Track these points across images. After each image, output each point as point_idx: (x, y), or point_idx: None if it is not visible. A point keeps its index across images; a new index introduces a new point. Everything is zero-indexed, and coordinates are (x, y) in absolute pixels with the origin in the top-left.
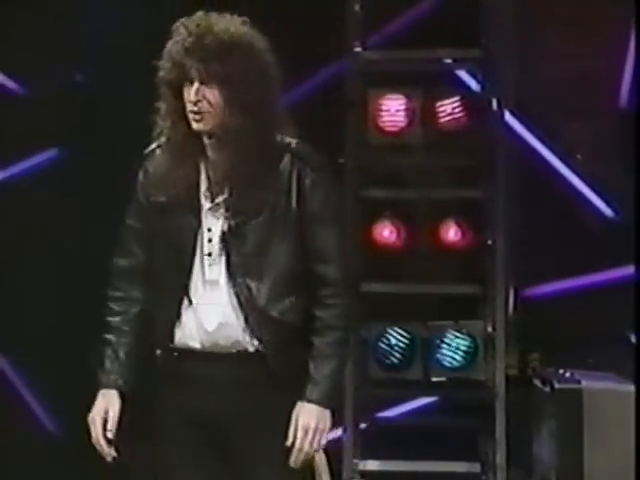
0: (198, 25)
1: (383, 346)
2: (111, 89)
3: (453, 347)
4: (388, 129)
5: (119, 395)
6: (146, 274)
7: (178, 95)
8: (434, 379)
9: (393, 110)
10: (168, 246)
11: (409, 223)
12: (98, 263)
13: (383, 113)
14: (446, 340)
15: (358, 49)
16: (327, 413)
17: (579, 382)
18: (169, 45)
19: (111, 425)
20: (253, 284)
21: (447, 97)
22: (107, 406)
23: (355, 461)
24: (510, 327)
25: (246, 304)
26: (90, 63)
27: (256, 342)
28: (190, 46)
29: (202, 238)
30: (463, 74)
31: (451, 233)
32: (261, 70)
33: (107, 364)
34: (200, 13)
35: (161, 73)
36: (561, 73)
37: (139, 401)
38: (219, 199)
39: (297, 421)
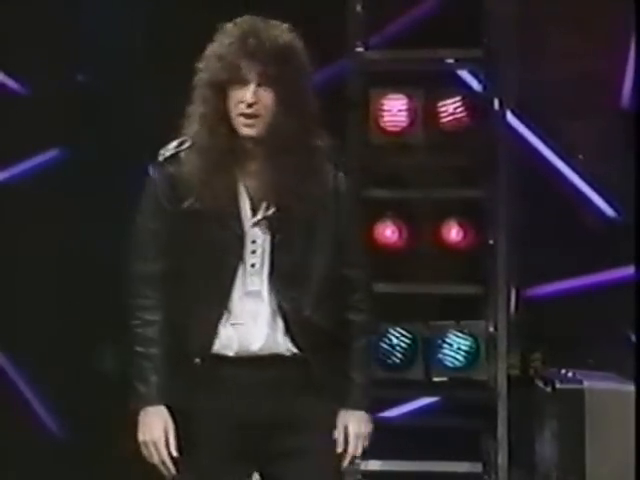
0: (252, 28)
1: (384, 346)
2: (112, 89)
3: (455, 347)
4: (390, 129)
5: (167, 409)
6: (168, 279)
7: (222, 98)
8: (435, 379)
9: (395, 110)
10: (206, 255)
11: (411, 223)
12: (99, 262)
13: (385, 113)
14: (448, 340)
15: (360, 49)
16: (368, 417)
17: (581, 382)
18: (216, 47)
19: (173, 443)
20: (296, 294)
21: (449, 97)
22: (165, 424)
23: (357, 461)
24: (512, 327)
25: (290, 314)
26: (91, 63)
27: (296, 349)
28: (250, 48)
29: (246, 249)
30: (465, 74)
31: (453, 233)
32: (309, 76)
33: (150, 378)
34: (247, 17)
35: (205, 75)
36: (563, 73)
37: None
38: (267, 212)
39: (347, 428)
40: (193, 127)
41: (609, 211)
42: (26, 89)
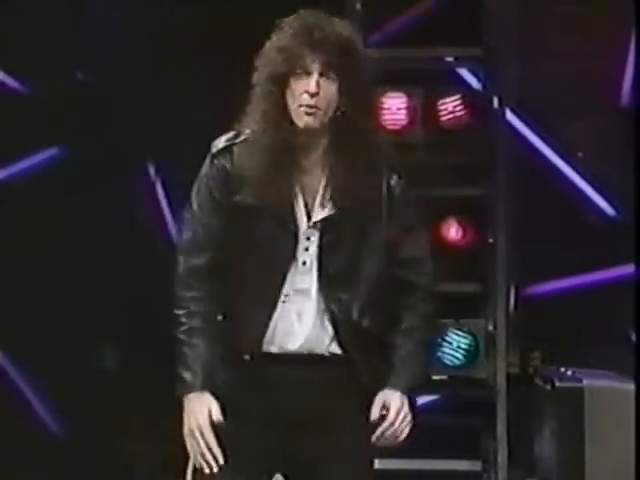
0: (316, 21)
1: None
2: (112, 88)
3: (454, 345)
4: (389, 127)
5: (212, 396)
6: (217, 273)
7: (283, 93)
8: (435, 377)
9: (394, 108)
10: (260, 251)
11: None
12: (99, 261)
13: (384, 111)
14: (447, 338)
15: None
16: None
17: (580, 380)
18: (277, 40)
19: (221, 428)
20: (345, 296)
21: (448, 95)
22: (209, 409)
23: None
24: (511, 325)
25: (338, 316)
26: (91, 62)
27: (341, 351)
28: (314, 39)
29: (299, 247)
30: (464, 72)
31: (452, 231)
32: (369, 70)
33: (194, 366)
34: (308, 11)
35: (265, 69)
36: (562, 71)
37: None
38: (324, 211)
39: (384, 402)
40: (252, 122)
41: (609, 209)
42: (26, 88)
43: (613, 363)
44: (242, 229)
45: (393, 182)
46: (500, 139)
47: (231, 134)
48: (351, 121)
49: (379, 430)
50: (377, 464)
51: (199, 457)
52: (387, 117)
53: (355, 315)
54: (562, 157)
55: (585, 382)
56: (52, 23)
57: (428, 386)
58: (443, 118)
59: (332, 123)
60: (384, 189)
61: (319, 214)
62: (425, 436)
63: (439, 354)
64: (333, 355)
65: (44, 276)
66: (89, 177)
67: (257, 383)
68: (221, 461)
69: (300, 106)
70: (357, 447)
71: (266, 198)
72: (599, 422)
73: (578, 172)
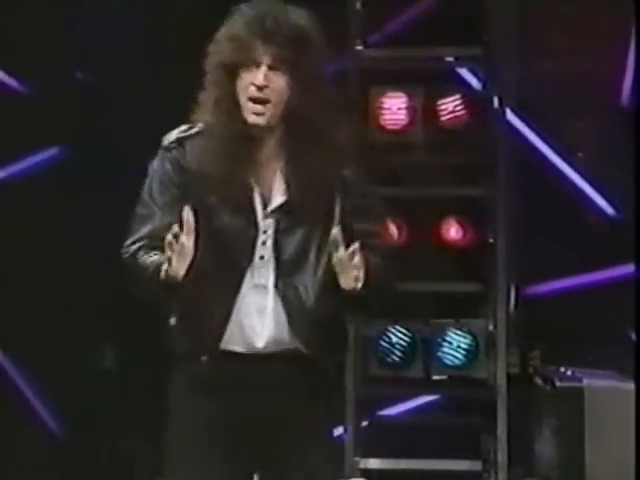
0: (270, 9)
1: (384, 344)
2: (113, 88)
3: (454, 345)
4: (389, 127)
5: None
6: None
7: (233, 81)
8: (435, 377)
9: (394, 108)
10: (219, 246)
11: (410, 221)
12: (99, 261)
13: (384, 111)
14: (447, 338)
15: (359, 47)
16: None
17: (580, 380)
18: (229, 27)
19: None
20: (300, 283)
21: (448, 95)
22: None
23: (356, 459)
24: (511, 325)
25: (294, 306)
26: (91, 62)
27: (300, 341)
28: (265, 29)
29: (257, 241)
30: (464, 72)
31: (452, 231)
32: (325, 61)
33: (157, 259)
34: None
35: (216, 57)
36: (563, 71)
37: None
38: (278, 201)
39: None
40: (205, 113)
41: (609, 209)
42: (26, 88)
43: (613, 363)
44: (200, 224)
45: (347, 171)
46: (500, 139)
47: (183, 127)
48: (302, 116)
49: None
50: (377, 464)
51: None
52: (387, 117)
53: (311, 301)
54: (562, 157)
55: (585, 382)
56: (52, 23)
57: (428, 386)
58: (443, 118)
59: (284, 117)
60: (338, 178)
61: (273, 204)
62: (425, 436)
63: (439, 354)
64: (295, 348)
65: (44, 276)
66: (89, 177)
67: (214, 384)
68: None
69: (248, 99)
70: (322, 441)
71: (223, 190)
72: (599, 422)
73: (578, 172)
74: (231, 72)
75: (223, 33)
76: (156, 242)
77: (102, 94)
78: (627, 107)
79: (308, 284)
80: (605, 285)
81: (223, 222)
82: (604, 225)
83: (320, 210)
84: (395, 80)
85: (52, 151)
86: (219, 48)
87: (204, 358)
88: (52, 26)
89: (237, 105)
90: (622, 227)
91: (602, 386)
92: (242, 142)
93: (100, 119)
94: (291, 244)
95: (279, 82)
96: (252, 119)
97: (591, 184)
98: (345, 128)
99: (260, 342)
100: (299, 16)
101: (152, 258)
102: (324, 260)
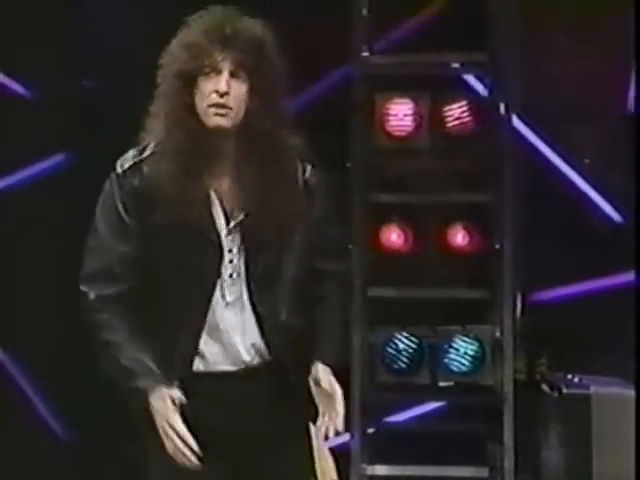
0: (227, 17)
1: (391, 351)
2: (118, 94)
3: (461, 352)
4: (395, 133)
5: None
6: (137, 301)
7: (190, 92)
8: (442, 384)
9: (400, 114)
10: (182, 270)
11: (416, 227)
12: None
13: (390, 117)
14: (454, 345)
15: (365, 53)
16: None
17: (587, 387)
18: (185, 36)
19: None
20: (272, 298)
21: (454, 101)
22: (171, 398)
23: (363, 466)
24: (518, 332)
25: (266, 319)
26: (97, 67)
27: (271, 355)
28: (225, 35)
29: (223, 260)
30: (470, 78)
31: (459, 237)
32: (282, 70)
33: (135, 367)
34: (219, 6)
35: (172, 67)
36: (568, 77)
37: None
38: (240, 217)
39: (319, 384)
40: (157, 129)
41: (615, 215)
42: (32, 93)
43: (620, 370)
44: (160, 251)
45: (308, 174)
46: (506, 145)
47: (135, 150)
48: (259, 124)
49: (325, 414)
50: (384, 470)
51: (179, 455)
52: (393, 123)
53: (282, 316)
54: (568, 163)
55: (592, 389)
56: (57, 28)
57: (435, 392)
58: (449, 124)
59: (241, 125)
60: (300, 184)
61: (238, 218)
62: (432, 442)
63: (446, 360)
64: (266, 363)
65: (50, 281)
66: (95, 183)
67: (187, 404)
68: (199, 452)
69: (209, 106)
70: (296, 457)
71: (181, 213)
72: (606, 429)
73: (584, 178)
74: (188, 81)
75: (178, 42)
76: (109, 278)
77: (109, 100)
78: (633, 113)
79: (279, 297)
80: (611, 291)
81: (185, 244)
82: (610, 231)
83: (285, 221)
84: (401, 86)
85: (58, 157)
86: (174, 57)
87: (176, 383)
88: (58, 31)
89: (192, 115)
90: (628, 233)
91: (609, 393)
92: (198, 153)
93: (106, 125)
94: (259, 257)
95: (240, 89)
96: (215, 121)
97: (597, 190)
98: (300, 138)
99: (235, 359)
100: (255, 24)
101: (126, 354)
102: (295, 273)
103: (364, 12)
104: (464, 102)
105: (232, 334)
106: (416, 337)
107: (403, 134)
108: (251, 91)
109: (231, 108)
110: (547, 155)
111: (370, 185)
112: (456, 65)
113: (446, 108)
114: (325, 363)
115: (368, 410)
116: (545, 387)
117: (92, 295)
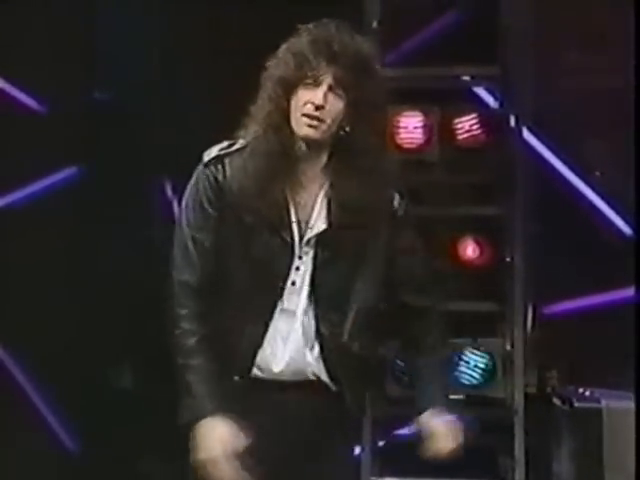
0: (336, 32)
1: (401, 363)
2: (130, 107)
3: (471, 365)
4: (406, 146)
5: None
6: (210, 290)
7: (288, 98)
8: (452, 397)
9: (411, 127)
10: (254, 266)
11: (427, 240)
12: (117, 279)
13: (401, 130)
14: (464, 358)
15: None
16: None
17: (599, 401)
18: (294, 44)
19: (236, 457)
20: (337, 318)
21: (465, 114)
22: (223, 437)
23: (373, 478)
24: (528, 345)
25: (327, 338)
26: (109, 80)
27: (328, 377)
28: (331, 50)
29: (292, 265)
30: (481, 91)
31: (469, 250)
32: (384, 90)
33: (198, 389)
34: (329, 20)
35: (276, 71)
36: (580, 90)
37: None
38: (319, 228)
39: (430, 424)
40: (254, 125)
41: (626, 228)
42: (43, 106)
43: (631, 383)
44: (235, 243)
45: (396, 203)
46: (517, 158)
47: (224, 144)
48: (355, 140)
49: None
50: None
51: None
52: (403, 136)
53: (345, 337)
54: (579, 175)
55: (603, 402)
56: (69, 41)
57: (445, 405)
58: (460, 137)
59: (335, 141)
60: (386, 209)
61: (314, 230)
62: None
63: (456, 373)
64: (318, 380)
65: (62, 294)
66: (108, 196)
67: (244, 407)
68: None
69: (303, 115)
70: (339, 476)
71: (259, 208)
72: (617, 443)
73: (595, 190)
74: (289, 88)
75: (286, 49)
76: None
77: (120, 113)
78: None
79: (344, 318)
80: (623, 305)
81: (261, 241)
82: (621, 244)
83: (365, 241)
84: (411, 99)
85: (70, 170)
86: (279, 63)
87: (236, 379)
88: (69, 44)
89: (287, 120)
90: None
91: (620, 407)
92: (285, 159)
93: (118, 138)
94: (329, 275)
95: (336, 104)
96: (304, 131)
97: (608, 203)
98: (394, 156)
99: (277, 367)
100: (363, 42)
101: (199, 380)
102: (365, 296)
103: (374, 24)
104: (474, 115)
105: (277, 343)
106: None
107: (413, 147)
108: (349, 107)
109: (324, 121)
110: (558, 168)
111: None
112: (466, 78)
113: (456, 121)
114: (437, 408)
115: (378, 423)
116: (556, 400)
117: (174, 284)
